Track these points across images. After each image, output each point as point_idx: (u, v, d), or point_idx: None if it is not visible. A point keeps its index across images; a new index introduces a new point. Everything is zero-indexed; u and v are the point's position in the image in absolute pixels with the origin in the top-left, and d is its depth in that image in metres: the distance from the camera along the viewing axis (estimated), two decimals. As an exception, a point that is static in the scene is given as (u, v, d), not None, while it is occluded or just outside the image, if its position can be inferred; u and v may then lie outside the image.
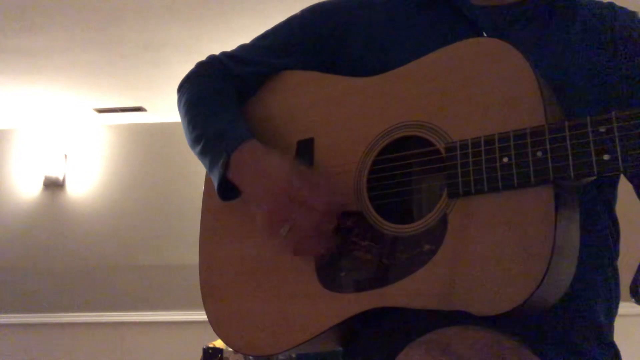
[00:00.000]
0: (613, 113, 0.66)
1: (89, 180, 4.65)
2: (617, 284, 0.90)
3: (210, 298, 0.96)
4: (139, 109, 4.47)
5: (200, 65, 1.05)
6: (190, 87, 1.02)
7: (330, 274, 0.84)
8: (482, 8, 0.92)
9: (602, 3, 0.96)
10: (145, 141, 4.67)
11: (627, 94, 0.87)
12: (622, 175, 0.91)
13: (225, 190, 0.91)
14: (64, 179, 4.66)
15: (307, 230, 0.83)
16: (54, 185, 4.64)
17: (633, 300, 0.77)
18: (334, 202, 0.83)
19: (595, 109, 0.85)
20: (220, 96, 1.00)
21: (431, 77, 0.83)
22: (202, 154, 0.95)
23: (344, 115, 0.90)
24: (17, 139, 4.78)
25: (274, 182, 0.84)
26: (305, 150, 0.92)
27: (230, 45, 1.08)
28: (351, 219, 0.84)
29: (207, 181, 1.01)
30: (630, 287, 0.77)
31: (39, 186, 4.67)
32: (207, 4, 3.07)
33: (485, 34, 0.89)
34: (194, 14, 3.16)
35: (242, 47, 1.05)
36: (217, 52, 1.07)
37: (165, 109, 4.39)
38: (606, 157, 0.66)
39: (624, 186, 0.94)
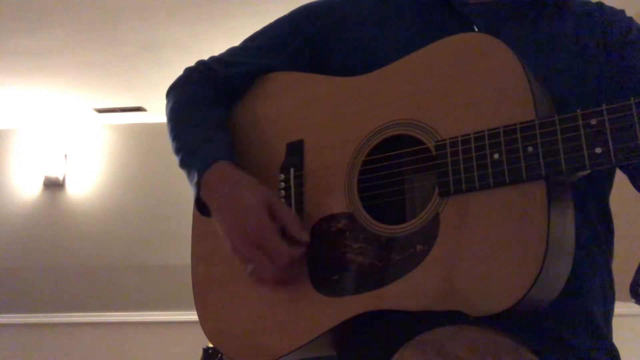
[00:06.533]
0: (604, 106, 0.65)
1: (89, 180, 4.65)
2: (611, 285, 0.89)
3: (203, 305, 0.94)
4: (139, 109, 4.47)
5: (187, 71, 1.04)
6: (175, 95, 1.02)
7: (323, 277, 0.83)
8: (475, 4, 0.92)
9: (592, 2, 0.96)
10: (145, 141, 4.66)
11: (617, 87, 0.88)
12: (620, 175, 0.91)
13: (202, 205, 0.90)
14: (64, 179, 4.66)
15: (269, 276, 0.84)
16: (54, 185, 4.64)
17: (633, 300, 0.76)
18: (297, 253, 0.83)
19: (584, 105, 0.85)
20: (203, 105, 0.99)
21: (420, 74, 0.82)
22: (181, 167, 0.95)
23: (333, 115, 0.89)
24: (17, 139, 4.78)
25: (242, 221, 0.83)
26: (294, 152, 0.91)
27: (230, 45, 1.07)
28: (342, 221, 0.83)
29: None
30: (631, 287, 0.76)
31: (39, 186, 4.66)
32: (207, 4, 3.07)
33: (477, 30, 0.89)
34: (194, 14, 3.16)
35: (231, 50, 1.05)
36: (217, 52, 1.07)
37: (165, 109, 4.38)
38: (598, 150, 0.65)
39: (624, 185, 0.94)
